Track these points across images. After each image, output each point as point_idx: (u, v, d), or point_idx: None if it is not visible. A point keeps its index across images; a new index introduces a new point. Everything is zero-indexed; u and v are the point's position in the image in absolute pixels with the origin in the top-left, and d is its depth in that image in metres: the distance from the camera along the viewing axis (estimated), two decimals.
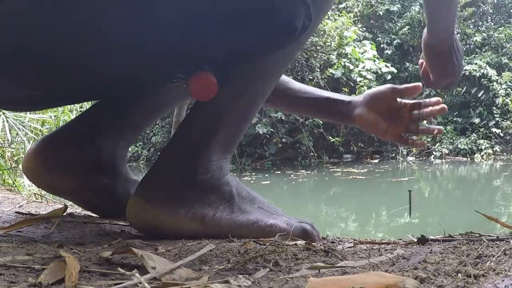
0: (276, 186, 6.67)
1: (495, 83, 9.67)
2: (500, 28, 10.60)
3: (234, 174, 7.93)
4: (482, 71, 9.73)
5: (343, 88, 9.47)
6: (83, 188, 1.11)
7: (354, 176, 7.00)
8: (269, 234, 0.95)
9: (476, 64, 9.94)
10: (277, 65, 0.99)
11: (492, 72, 9.71)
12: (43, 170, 1.07)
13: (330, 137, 9.18)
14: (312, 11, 0.84)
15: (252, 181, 6.86)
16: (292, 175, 7.67)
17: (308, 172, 8.04)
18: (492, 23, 11.14)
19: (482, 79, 9.95)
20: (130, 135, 1.20)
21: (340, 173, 7.59)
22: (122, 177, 1.16)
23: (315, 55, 9.51)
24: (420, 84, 1.19)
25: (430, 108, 1.21)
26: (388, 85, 1.22)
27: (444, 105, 1.21)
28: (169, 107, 1.29)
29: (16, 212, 1.26)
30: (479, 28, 10.99)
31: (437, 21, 1.10)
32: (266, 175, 7.63)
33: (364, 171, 7.66)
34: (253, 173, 7.88)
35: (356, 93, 9.35)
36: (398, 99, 1.21)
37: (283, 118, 9.17)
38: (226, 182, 0.97)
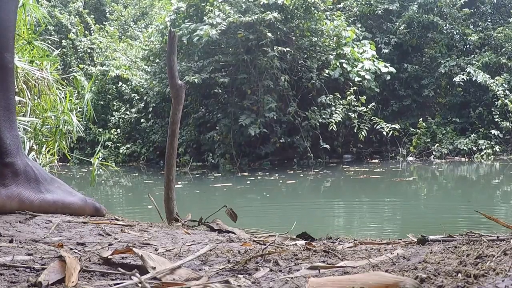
0: (304, 186, 6.69)
1: (492, 84, 9.66)
2: (499, 28, 10.58)
3: (239, 174, 7.93)
4: (476, 77, 9.71)
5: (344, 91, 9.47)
6: None
7: (364, 175, 7.03)
8: (71, 209, 1.21)
9: (473, 65, 9.94)
10: None
11: (483, 78, 9.66)
12: None
13: (321, 142, 9.14)
14: None
15: (280, 181, 6.90)
16: (301, 175, 7.67)
17: (327, 171, 8.04)
18: (491, 23, 11.12)
19: (480, 81, 9.93)
20: None
21: (353, 172, 7.62)
22: None
23: (314, 55, 9.50)
24: None
25: None
26: None
27: None
28: None
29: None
30: (478, 28, 10.97)
31: None
32: (276, 174, 7.62)
33: (368, 171, 7.67)
34: (267, 173, 7.87)
35: (353, 92, 9.35)
36: None
37: (280, 118, 9.15)
38: (28, 164, 1.18)
